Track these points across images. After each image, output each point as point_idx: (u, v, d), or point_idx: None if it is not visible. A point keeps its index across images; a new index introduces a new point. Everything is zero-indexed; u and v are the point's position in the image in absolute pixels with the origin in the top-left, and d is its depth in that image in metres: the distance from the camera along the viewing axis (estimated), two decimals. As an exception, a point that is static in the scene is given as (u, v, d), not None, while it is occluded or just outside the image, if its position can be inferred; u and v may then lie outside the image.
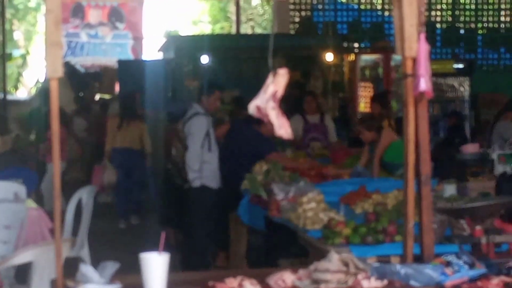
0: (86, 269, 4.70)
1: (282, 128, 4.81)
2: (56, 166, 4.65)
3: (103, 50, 27.30)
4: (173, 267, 4.84)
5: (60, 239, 4.71)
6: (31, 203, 9.07)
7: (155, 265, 4.54)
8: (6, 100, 22.94)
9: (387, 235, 6.73)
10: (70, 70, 24.12)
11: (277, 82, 4.76)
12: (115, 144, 14.72)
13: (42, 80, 24.40)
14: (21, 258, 7.25)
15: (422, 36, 4.87)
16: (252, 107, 4.80)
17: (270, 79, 4.77)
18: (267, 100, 4.74)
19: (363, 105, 18.79)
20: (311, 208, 7.66)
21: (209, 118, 10.46)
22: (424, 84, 4.82)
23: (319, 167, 10.76)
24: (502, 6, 22.35)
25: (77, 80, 23.55)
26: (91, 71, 25.31)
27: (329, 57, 18.71)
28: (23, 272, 7.57)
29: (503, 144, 12.21)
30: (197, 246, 10.41)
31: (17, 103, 24.49)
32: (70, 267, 5.00)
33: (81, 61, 26.42)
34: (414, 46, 4.89)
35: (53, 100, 4.67)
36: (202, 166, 10.19)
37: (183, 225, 10.84)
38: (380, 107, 14.17)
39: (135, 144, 14.83)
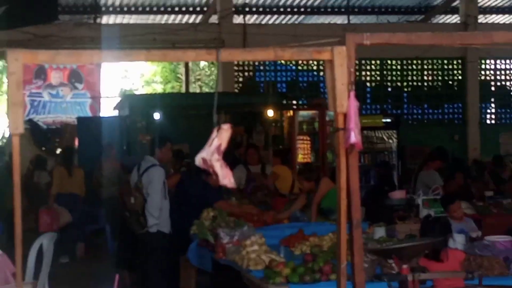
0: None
1: (226, 178, 4.81)
2: (17, 217, 4.58)
3: (64, 108, 27.16)
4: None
5: (21, 283, 4.64)
6: (-5, 250, 8.93)
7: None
8: (-29, 154, 22.76)
9: (323, 274, 6.74)
10: (33, 126, 23.92)
11: (221, 136, 4.77)
12: (62, 190, 14.81)
13: (6, 135, 24.14)
14: (-15, 301, 7.12)
15: (352, 94, 4.92)
16: (198, 159, 4.80)
17: (214, 133, 4.78)
18: (212, 153, 4.75)
19: (301, 156, 18.87)
20: (253, 251, 7.67)
21: (163, 169, 10.49)
22: (354, 137, 4.86)
23: (261, 213, 10.76)
24: (425, 67, 22.65)
25: (40, 136, 23.38)
26: (53, 127, 25.12)
27: (270, 113, 18.78)
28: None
29: (426, 191, 12.45)
30: (151, 287, 10.35)
31: (-18, 156, 24.29)
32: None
33: (43, 118, 26.23)
34: (345, 103, 4.93)
35: (15, 154, 4.63)
36: (159, 213, 10.18)
37: (138, 267, 10.75)
38: (280, 161, 14.50)
39: (79, 190, 15.27)
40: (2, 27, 12.30)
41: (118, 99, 22.90)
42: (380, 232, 8.78)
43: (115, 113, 21.25)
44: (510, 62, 23.23)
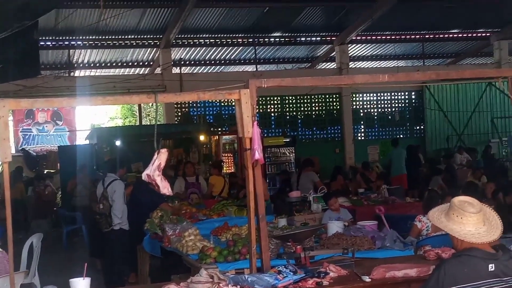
0: (33, 292, 4.54)
1: (165, 188, 4.78)
2: (8, 222, 4.46)
3: (48, 139, 26.72)
4: (99, 286, 4.71)
5: (12, 272, 4.52)
6: (-3, 248, 8.69)
7: (80, 286, 4.41)
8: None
9: (241, 254, 6.73)
10: (25, 154, 23.46)
11: (160, 158, 4.74)
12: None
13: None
14: (-10, 286, 6.90)
15: (255, 123, 4.93)
16: (144, 175, 4.77)
17: (155, 155, 4.75)
18: (154, 170, 4.71)
19: (226, 168, 18.85)
20: (191, 240, 7.63)
21: (123, 182, 10.47)
22: (258, 154, 4.87)
23: (196, 212, 10.71)
24: (313, 100, 22.88)
25: (31, 161, 22.95)
26: (40, 154, 24.68)
27: (201, 137, 18.77)
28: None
29: (309, 185, 13.11)
30: (116, 270, 10.23)
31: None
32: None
33: (33, 148, 25.79)
34: (250, 130, 4.94)
35: (5, 177, 4.54)
36: (122, 215, 10.11)
37: (106, 255, 10.61)
38: (217, 171, 14.41)
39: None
40: (-3, 82, 12.06)
41: (89, 131, 22.53)
42: (282, 222, 8.81)
43: (87, 142, 20.92)
44: (372, 95, 23.66)
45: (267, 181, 17.62)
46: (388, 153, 20.34)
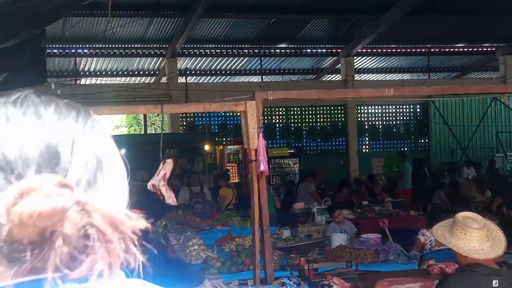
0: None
1: (170, 198, 4.80)
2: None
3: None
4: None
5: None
6: None
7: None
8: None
9: (245, 265, 6.74)
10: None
11: (165, 168, 4.76)
12: None
13: None
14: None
15: (260, 135, 4.96)
16: (149, 185, 4.78)
17: (161, 165, 4.77)
18: (159, 180, 4.73)
19: (230, 179, 18.85)
20: (194, 249, 7.64)
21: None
22: (263, 166, 4.89)
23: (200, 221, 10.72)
24: (318, 112, 22.91)
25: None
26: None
27: (206, 147, 18.79)
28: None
29: (306, 195, 13.67)
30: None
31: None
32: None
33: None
34: (256, 142, 4.96)
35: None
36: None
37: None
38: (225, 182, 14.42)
39: None
40: (3, 89, 12.08)
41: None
42: (286, 233, 8.82)
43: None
44: (377, 108, 23.65)
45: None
46: (400, 166, 20.14)
